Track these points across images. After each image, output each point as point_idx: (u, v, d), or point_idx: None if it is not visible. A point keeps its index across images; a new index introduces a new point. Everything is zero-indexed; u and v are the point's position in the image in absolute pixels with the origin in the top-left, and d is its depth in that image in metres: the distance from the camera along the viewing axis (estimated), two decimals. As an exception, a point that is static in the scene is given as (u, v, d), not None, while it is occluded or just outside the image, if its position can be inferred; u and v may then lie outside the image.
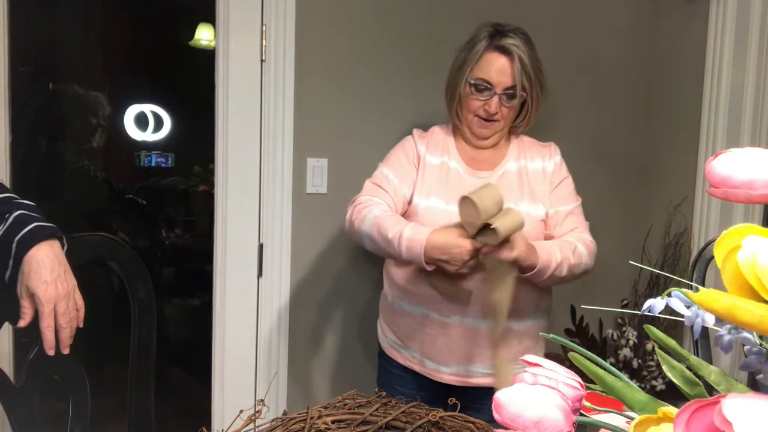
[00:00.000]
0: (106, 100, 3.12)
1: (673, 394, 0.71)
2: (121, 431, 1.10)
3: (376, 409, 0.72)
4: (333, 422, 0.69)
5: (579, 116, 2.18)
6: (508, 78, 1.46)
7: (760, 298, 0.40)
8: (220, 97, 1.84)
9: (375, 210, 1.43)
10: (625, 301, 2.26)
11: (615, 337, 2.13)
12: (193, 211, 3.71)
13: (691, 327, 0.57)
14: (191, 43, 3.48)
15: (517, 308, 1.38)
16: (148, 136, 3.51)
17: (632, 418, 0.45)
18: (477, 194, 1.26)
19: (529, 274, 1.35)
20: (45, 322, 0.94)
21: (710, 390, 0.54)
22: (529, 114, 1.54)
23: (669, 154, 2.34)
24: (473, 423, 0.71)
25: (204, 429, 0.68)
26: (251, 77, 1.84)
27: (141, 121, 3.47)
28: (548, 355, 1.66)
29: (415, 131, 1.59)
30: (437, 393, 1.49)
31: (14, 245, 0.94)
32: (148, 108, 3.48)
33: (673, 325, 2.13)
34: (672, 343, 0.56)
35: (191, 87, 3.16)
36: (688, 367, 0.55)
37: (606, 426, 0.52)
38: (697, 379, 0.54)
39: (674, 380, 0.54)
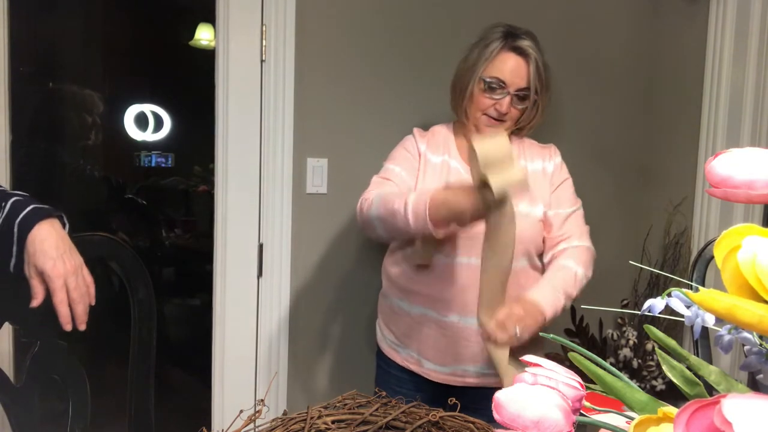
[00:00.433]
0: (99, 98, 3.10)
1: (673, 394, 0.71)
2: (121, 431, 1.10)
3: (376, 409, 0.72)
4: (333, 422, 0.69)
5: (579, 116, 2.18)
6: (523, 79, 1.45)
7: (760, 298, 0.40)
8: (220, 97, 1.84)
9: (380, 191, 1.42)
10: (625, 301, 2.25)
11: (615, 337, 2.13)
12: (193, 211, 3.71)
13: (691, 327, 0.57)
14: (191, 43, 3.47)
15: None
16: (148, 136, 3.51)
17: (632, 418, 0.45)
18: (481, 145, 1.21)
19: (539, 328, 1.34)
20: (58, 296, 0.93)
21: (710, 390, 0.54)
22: (535, 117, 1.53)
23: (669, 154, 2.34)
24: (473, 423, 0.71)
25: (204, 429, 0.68)
26: (251, 77, 1.84)
27: (141, 121, 3.46)
28: (548, 355, 1.66)
29: (416, 130, 1.59)
30: (435, 394, 1.49)
31: (16, 228, 0.93)
32: (148, 108, 3.47)
33: (673, 325, 2.13)
34: (672, 343, 0.56)
35: (191, 87, 3.17)
36: (688, 367, 0.55)
37: (606, 426, 0.52)
38: (697, 379, 0.54)
39: (674, 380, 0.54)
